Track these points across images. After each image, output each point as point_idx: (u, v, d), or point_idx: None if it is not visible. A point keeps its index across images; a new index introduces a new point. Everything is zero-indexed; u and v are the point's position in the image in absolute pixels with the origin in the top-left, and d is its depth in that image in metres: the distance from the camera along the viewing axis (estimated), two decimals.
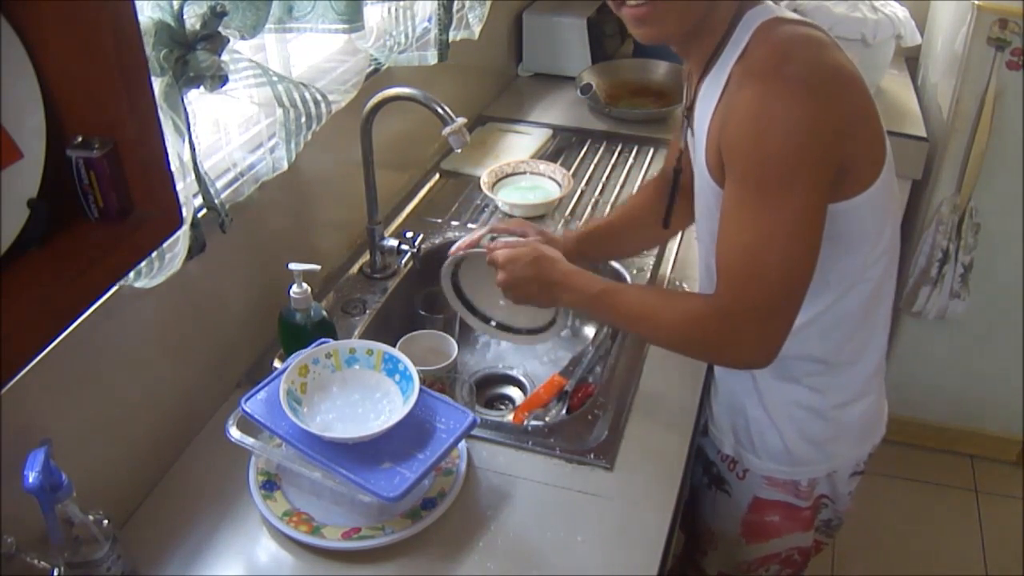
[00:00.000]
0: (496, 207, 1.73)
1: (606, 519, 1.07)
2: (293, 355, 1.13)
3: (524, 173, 1.80)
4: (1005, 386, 2.29)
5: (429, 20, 1.54)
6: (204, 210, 1.08)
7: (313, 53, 1.38)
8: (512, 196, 1.73)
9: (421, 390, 1.06)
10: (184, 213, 1.02)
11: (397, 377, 1.10)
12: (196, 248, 1.06)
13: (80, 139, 0.66)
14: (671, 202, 1.23)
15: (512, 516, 1.08)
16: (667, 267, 1.56)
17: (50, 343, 0.65)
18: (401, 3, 1.43)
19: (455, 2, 1.57)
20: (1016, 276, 2.12)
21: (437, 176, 1.87)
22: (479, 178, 1.76)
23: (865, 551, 2.20)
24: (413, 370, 1.08)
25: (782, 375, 1.16)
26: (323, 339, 1.16)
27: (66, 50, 0.63)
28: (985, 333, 2.22)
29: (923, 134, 2.06)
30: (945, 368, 2.31)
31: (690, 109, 1.10)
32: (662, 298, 1.14)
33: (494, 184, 1.75)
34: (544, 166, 1.81)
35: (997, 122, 1.93)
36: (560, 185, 1.76)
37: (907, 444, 2.42)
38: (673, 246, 1.61)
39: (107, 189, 0.67)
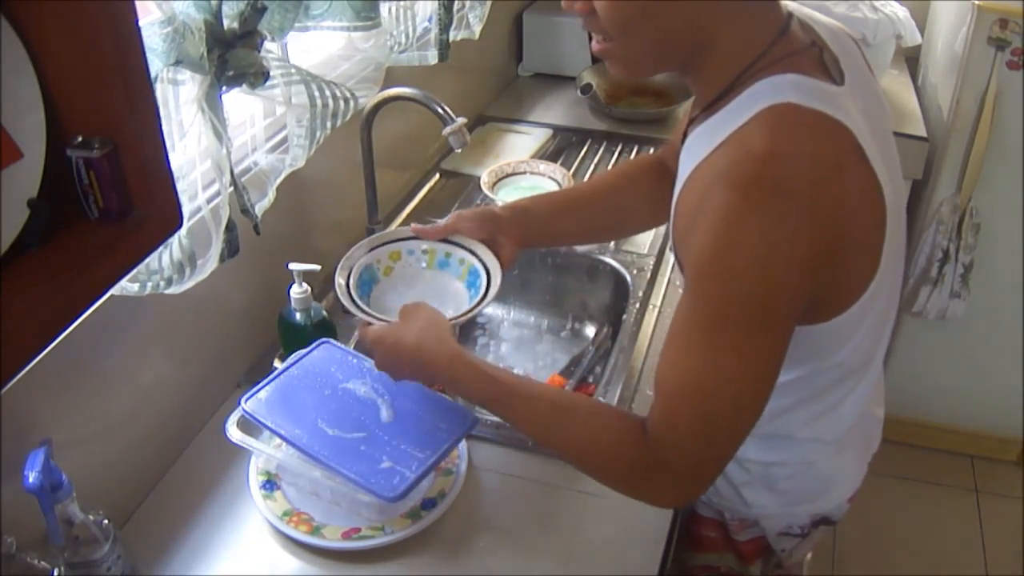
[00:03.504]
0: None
1: (606, 519, 1.07)
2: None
3: (524, 173, 1.80)
4: (1005, 386, 2.29)
5: (429, 20, 1.54)
6: (194, 216, 1.07)
7: (312, 53, 1.38)
8: (512, 196, 1.73)
9: (422, 389, 1.06)
10: (223, 216, 1.02)
11: (472, 291, 1.11)
12: (230, 252, 1.05)
13: (80, 139, 0.66)
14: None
15: (512, 516, 1.08)
16: (667, 267, 1.56)
17: (50, 343, 0.65)
18: (402, 3, 1.43)
19: (455, 2, 1.57)
20: (1016, 276, 2.12)
21: (437, 176, 1.87)
22: (479, 178, 1.76)
23: (865, 551, 2.19)
24: (484, 278, 1.09)
25: None
26: (324, 339, 1.16)
27: (66, 50, 0.63)
28: (985, 333, 2.22)
29: (923, 134, 2.06)
30: (945, 368, 2.31)
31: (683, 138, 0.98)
32: (580, 409, 0.92)
33: (494, 184, 1.75)
34: (544, 166, 1.81)
35: (997, 122, 1.93)
36: (560, 185, 1.75)
37: (907, 444, 2.42)
38: None
39: (107, 189, 0.67)
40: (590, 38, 0.91)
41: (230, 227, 1.04)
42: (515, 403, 0.92)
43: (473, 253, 1.14)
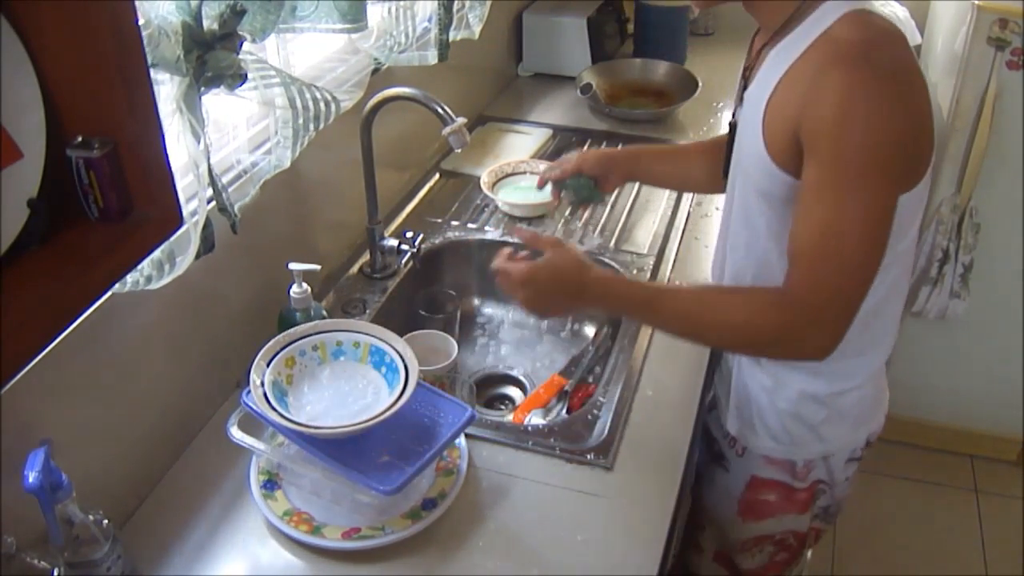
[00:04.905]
0: (496, 207, 1.73)
1: (606, 519, 1.07)
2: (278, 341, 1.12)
3: (524, 173, 1.80)
4: (1005, 386, 2.29)
5: (429, 20, 1.54)
6: (196, 212, 1.08)
7: (312, 53, 1.38)
8: (512, 196, 1.73)
9: (419, 384, 1.06)
10: (198, 215, 1.02)
11: (383, 370, 1.09)
12: (205, 249, 1.06)
13: (80, 139, 0.66)
14: (728, 154, 1.19)
15: (512, 516, 1.08)
16: (667, 267, 1.56)
17: (50, 343, 0.65)
18: (401, 3, 1.43)
19: (455, 2, 1.57)
20: (1016, 276, 2.12)
21: (437, 176, 1.87)
22: (479, 178, 1.76)
23: (865, 551, 2.20)
24: (401, 363, 1.07)
25: None
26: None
27: (66, 50, 0.63)
28: (985, 333, 2.22)
29: None
30: (945, 368, 2.31)
31: (748, 70, 1.10)
32: (720, 292, 1.15)
33: (494, 184, 1.75)
34: (544, 166, 1.80)
35: (997, 122, 1.93)
36: None
37: (907, 444, 2.42)
38: (673, 246, 1.61)
39: (107, 189, 0.67)
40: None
41: (206, 225, 1.05)
42: (665, 301, 1.07)
43: (366, 333, 1.12)
